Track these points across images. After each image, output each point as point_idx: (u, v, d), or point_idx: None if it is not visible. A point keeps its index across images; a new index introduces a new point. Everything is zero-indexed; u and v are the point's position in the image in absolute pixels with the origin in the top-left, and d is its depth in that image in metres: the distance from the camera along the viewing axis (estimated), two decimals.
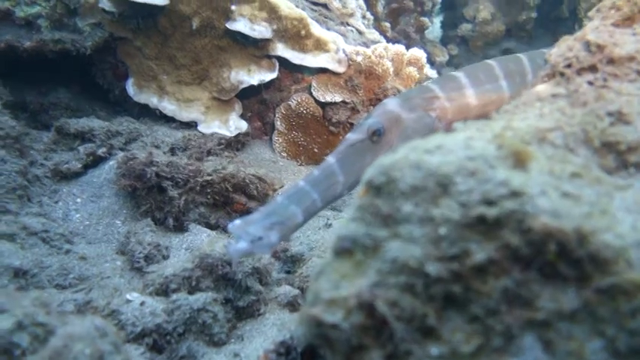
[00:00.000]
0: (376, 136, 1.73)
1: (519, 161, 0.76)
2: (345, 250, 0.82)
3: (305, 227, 2.55)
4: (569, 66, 1.08)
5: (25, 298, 1.20)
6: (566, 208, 0.67)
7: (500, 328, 0.68)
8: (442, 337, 0.71)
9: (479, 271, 0.70)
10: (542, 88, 1.05)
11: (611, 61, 1.01)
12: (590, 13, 1.25)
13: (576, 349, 0.61)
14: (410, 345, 0.72)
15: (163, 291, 1.78)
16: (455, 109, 1.90)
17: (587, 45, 1.09)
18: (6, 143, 2.42)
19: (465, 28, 6.34)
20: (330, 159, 1.67)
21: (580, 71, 1.05)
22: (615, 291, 0.61)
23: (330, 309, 0.77)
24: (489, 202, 0.71)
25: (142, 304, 1.66)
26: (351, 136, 1.76)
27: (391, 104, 1.87)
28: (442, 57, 6.19)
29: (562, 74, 1.08)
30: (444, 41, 6.57)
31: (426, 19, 5.85)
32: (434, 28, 6.60)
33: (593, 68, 1.05)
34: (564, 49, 1.13)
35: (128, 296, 1.72)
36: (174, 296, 1.70)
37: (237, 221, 1.39)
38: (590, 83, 1.02)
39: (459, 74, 2.02)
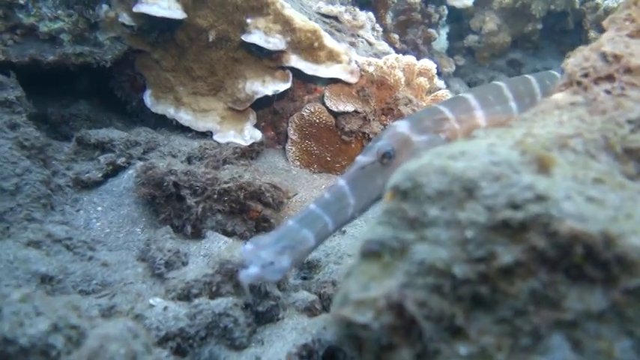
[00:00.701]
0: (386, 158, 1.71)
1: (543, 167, 0.78)
2: (372, 252, 0.83)
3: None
4: (586, 75, 1.10)
5: (58, 302, 1.23)
6: (592, 212, 0.69)
7: (528, 328, 0.69)
8: (470, 337, 0.73)
9: (506, 272, 0.72)
10: (561, 97, 1.07)
11: (628, 70, 1.03)
12: (604, 23, 1.27)
13: (605, 348, 0.62)
14: (439, 344, 0.74)
15: (185, 296, 1.80)
16: (465, 130, 1.90)
17: (604, 55, 1.11)
18: (31, 154, 2.47)
19: (471, 39, 6.37)
20: (341, 182, 1.64)
21: (597, 80, 1.07)
22: None
23: (360, 309, 0.78)
24: (515, 206, 0.73)
25: (165, 308, 1.69)
26: (362, 159, 1.73)
27: (401, 126, 1.85)
28: (449, 68, 6.22)
29: (579, 83, 1.09)
30: (451, 52, 6.60)
31: (433, 31, 5.90)
32: (440, 39, 6.63)
33: (610, 77, 1.06)
34: (580, 59, 1.14)
35: (151, 301, 1.74)
36: (196, 301, 1.72)
37: (249, 245, 1.37)
38: (608, 92, 1.04)
39: (469, 96, 2.00)
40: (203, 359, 1.62)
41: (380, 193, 1.68)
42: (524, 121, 1.03)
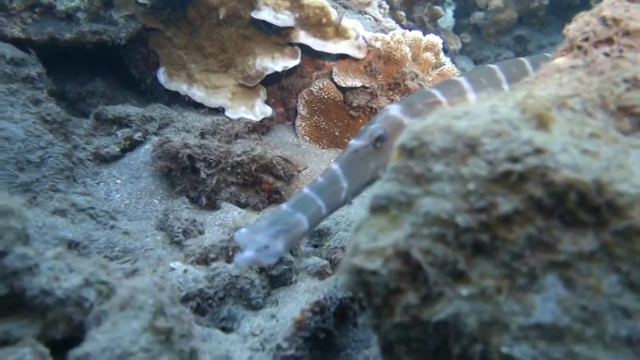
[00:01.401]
0: (379, 142, 1.68)
1: (542, 123, 0.81)
2: (381, 207, 0.87)
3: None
4: (586, 39, 1.11)
5: (87, 262, 1.29)
6: (586, 163, 0.72)
7: (524, 270, 0.73)
8: (471, 280, 0.77)
9: (505, 220, 0.76)
10: (561, 61, 1.09)
11: (626, 33, 1.04)
12: None
13: (594, 284, 0.67)
14: (442, 287, 0.78)
15: (203, 260, 1.87)
16: None
17: (604, 20, 1.12)
18: (53, 128, 2.52)
19: (477, 16, 6.28)
20: (334, 166, 1.63)
21: (597, 44, 1.08)
22: (630, 232, 0.65)
23: (370, 258, 0.83)
24: (514, 159, 0.76)
25: (185, 271, 1.75)
26: (355, 143, 1.71)
27: (393, 110, 1.83)
28: (455, 45, 6.15)
29: (579, 47, 1.11)
30: (457, 30, 6.51)
31: (439, 8, 5.81)
32: (446, 17, 6.54)
33: (609, 41, 1.08)
34: (581, 24, 1.16)
35: (172, 265, 1.81)
36: (213, 264, 1.78)
37: (243, 230, 1.36)
38: (607, 54, 1.05)
39: (461, 79, 1.97)
40: (222, 318, 1.69)
41: (372, 176, 1.68)
42: (525, 85, 1.05)
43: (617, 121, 0.86)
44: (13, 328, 1.12)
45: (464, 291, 0.77)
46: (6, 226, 1.16)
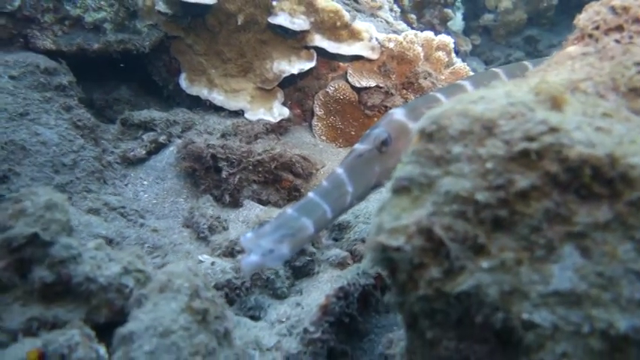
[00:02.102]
0: (384, 146, 1.65)
1: (556, 105, 0.83)
2: (403, 188, 0.91)
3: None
4: (597, 28, 1.13)
5: (125, 252, 1.35)
6: (599, 139, 0.75)
7: (542, 242, 0.76)
8: (492, 253, 0.80)
9: (522, 196, 0.79)
10: (573, 49, 1.11)
11: (636, 20, 1.06)
12: None
13: (610, 251, 0.69)
14: (464, 261, 0.82)
15: (229, 253, 1.92)
16: None
17: (613, 8, 1.14)
18: (84, 133, 2.62)
19: (487, 18, 6.27)
20: (339, 170, 1.60)
21: (607, 31, 1.10)
22: None
23: (394, 236, 0.86)
24: (530, 138, 0.79)
25: (213, 263, 1.81)
26: (359, 147, 1.68)
27: (397, 114, 1.79)
28: (466, 47, 6.15)
29: (590, 35, 1.13)
30: (467, 32, 6.51)
31: (449, 11, 5.83)
32: (456, 19, 6.55)
33: (619, 28, 1.09)
34: (591, 13, 1.18)
35: (200, 257, 1.87)
36: (239, 257, 1.83)
37: (249, 234, 1.34)
38: (617, 41, 1.07)
39: (465, 82, 1.96)
40: (249, 307, 1.74)
41: (377, 180, 1.66)
42: (538, 72, 1.08)
43: (629, 101, 0.88)
44: (61, 313, 1.18)
45: (484, 264, 0.80)
46: (52, 219, 1.22)
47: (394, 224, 0.87)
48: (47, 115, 2.45)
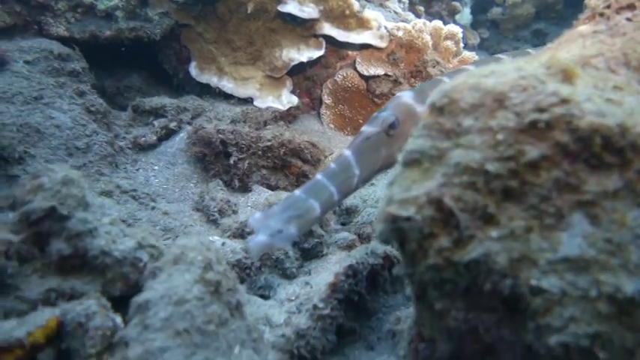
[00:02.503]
0: (391, 129, 1.64)
1: (566, 78, 0.83)
2: (413, 160, 0.92)
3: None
4: (608, 7, 1.13)
5: (138, 228, 1.37)
6: (610, 110, 0.75)
7: (551, 211, 0.77)
8: (501, 223, 0.81)
9: (532, 166, 0.79)
10: (584, 28, 1.11)
11: None
12: None
13: (619, 218, 0.70)
14: (473, 231, 0.82)
15: (239, 234, 1.94)
16: None
17: None
18: (96, 118, 2.64)
19: (495, 12, 6.22)
20: (347, 152, 1.59)
21: (619, 10, 1.10)
22: None
23: (404, 206, 0.87)
24: (541, 110, 0.79)
25: (223, 244, 1.83)
26: (367, 130, 1.66)
27: (405, 97, 1.77)
28: (474, 40, 6.11)
29: (602, 14, 1.12)
30: (474, 26, 6.46)
31: (457, 4, 5.78)
32: (464, 13, 6.50)
33: (631, 6, 1.09)
34: None
35: (210, 239, 1.89)
36: (249, 237, 1.85)
37: (258, 215, 1.34)
38: (629, 19, 1.07)
39: (471, 67, 1.97)
40: (259, 286, 1.76)
41: (384, 163, 1.66)
42: (548, 50, 1.08)
43: None
44: (78, 285, 1.21)
45: (494, 233, 0.81)
46: (68, 194, 1.24)
47: (405, 195, 0.88)
48: (61, 100, 2.48)
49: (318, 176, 1.51)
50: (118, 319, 1.10)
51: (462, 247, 0.83)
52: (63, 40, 3.05)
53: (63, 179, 1.25)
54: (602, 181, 0.73)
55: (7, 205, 1.32)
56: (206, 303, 1.03)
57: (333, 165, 1.56)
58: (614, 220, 0.70)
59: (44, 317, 1.05)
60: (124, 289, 1.24)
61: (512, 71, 0.89)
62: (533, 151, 0.79)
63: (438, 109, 0.92)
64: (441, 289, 0.90)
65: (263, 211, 1.36)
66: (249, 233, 1.90)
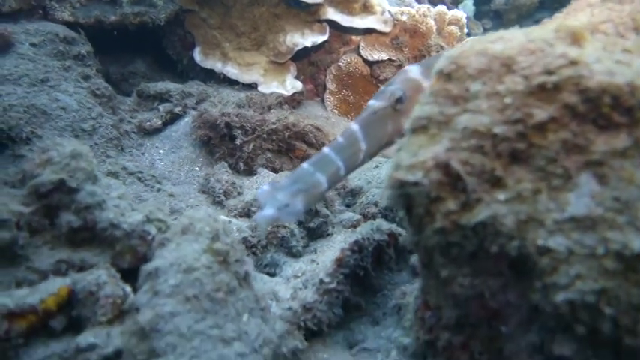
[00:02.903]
0: (399, 103, 1.62)
1: (575, 41, 0.83)
2: (420, 127, 0.92)
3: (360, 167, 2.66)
4: None
5: (146, 203, 1.38)
6: (619, 70, 0.74)
7: (559, 172, 0.77)
8: (508, 186, 0.81)
9: (540, 129, 0.79)
10: None
11: None
12: None
13: (627, 176, 0.70)
14: (480, 194, 0.83)
15: (245, 213, 1.95)
16: None
17: None
18: (102, 101, 2.64)
19: (498, 2, 6.17)
20: (354, 126, 1.56)
21: None
22: None
23: (411, 171, 0.88)
24: (549, 72, 0.79)
25: (229, 222, 1.84)
26: (374, 104, 1.63)
27: (413, 72, 1.74)
28: (477, 30, 6.08)
29: None
30: (478, 16, 6.42)
31: None
32: (467, 3, 6.46)
33: None
34: None
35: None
36: (255, 216, 1.86)
37: (266, 187, 1.32)
38: None
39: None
40: (265, 264, 1.77)
41: (389, 139, 1.64)
42: (557, 19, 1.07)
43: None
44: (87, 256, 1.22)
45: (501, 196, 0.81)
46: (77, 167, 1.25)
47: (412, 160, 0.88)
48: (66, 83, 2.48)
49: (326, 150, 1.49)
50: (128, 288, 1.11)
51: (469, 211, 0.83)
52: (68, 25, 3.04)
53: (72, 153, 1.26)
54: (610, 140, 0.73)
55: (18, 180, 1.33)
56: (215, 272, 1.03)
57: (340, 139, 1.53)
58: (623, 178, 0.70)
59: (56, 285, 1.06)
60: (132, 261, 1.25)
61: (520, 36, 0.88)
62: (541, 113, 0.79)
63: (445, 76, 0.92)
64: (448, 255, 0.90)
65: (270, 184, 1.35)
66: (255, 212, 1.90)
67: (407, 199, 0.90)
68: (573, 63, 0.77)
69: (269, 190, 1.31)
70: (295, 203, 1.28)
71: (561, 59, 0.78)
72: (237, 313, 1.01)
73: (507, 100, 0.82)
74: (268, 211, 1.24)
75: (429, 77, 1.69)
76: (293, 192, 1.30)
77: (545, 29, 0.91)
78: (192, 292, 0.96)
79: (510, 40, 0.88)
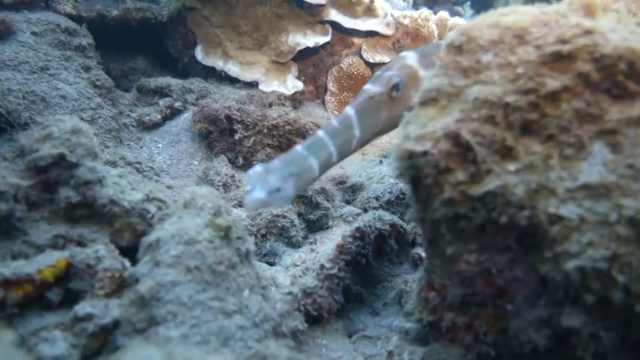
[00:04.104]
0: (394, 90, 1.58)
1: (589, 12, 0.83)
2: (430, 99, 0.91)
3: (362, 163, 2.65)
4: None
5: (147, 184, 1.36)
6: (634, 37, 0.74)
7: (571, 141, 0.76)
8: (519, 156, 0.80)
9: (553, 98, 0.79)
10: None
11: None
12: None
13: None
14: (490, 165, 0.82)
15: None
16: None
17: None
18: (101, 92, 2.63)
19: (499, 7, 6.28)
20: (349, 111, 1.51)
21: None
22: None
23: (420, 142, 0.87)
24: (563, 41, 0.79)
25: None
26: (371, 88, 1.59)
27: (410, 59, 1.70)
28: None
29: None
30: None
31: (460, 8, 5.83)
32: (467, 18, 6.57)
33: None
34: None
35: None
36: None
37: (258, 167, 1.26)
38: None
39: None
40: (264, 253, 1.75)
41: (382, 127, 1.60)
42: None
43: None
44: (86, 232, 1.20)
45: (511, 166, 0.80)
46: (78, 142, 1.24)
47: (421, 131, 0.88)
48: (67, 72, 2.47)
49: (320, 133, 1.43)
50: (127, 263, 1.09)
51: (479, 181, 0.83)
52: (70, 18, 3.04)
53: (72, 128, 1.25)
54: (624, 109, 0.73)
55: (15, 156, 1.31)
56: (216, 246, 1.02)
57: (335, 123, 1.48)
58: (636, 144, 0.69)
59: (53, 257, 1.04)
60: (131, 239, 1.23)
61: (532, 9, 0.88)
62: (553, 82, 0.78)
63: (456, 48, 0.92)
64: (455, 228, 0.89)
65: (262, 165, 1.29)
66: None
67: (415, 171, 0.89)
68: (588, 32, 0.77)
69: (261, 172, 1.25)
70: (287, 187, 1.22)
71: (576, 29, 0.78)
72: (239, 288, 0.99)
73: (519, 70, 0.82)
74: (259, 194, 1.18)
75: (425, 67, 1.69)
76: (285, 175, 1.24)
77: (558, 4, 0.91)
78: (194, 263, 0.95)
79: (523, 12, 0.88)
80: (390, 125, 1.66)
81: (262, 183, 1.20)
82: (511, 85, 0.82)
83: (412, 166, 0.88)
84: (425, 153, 0.85)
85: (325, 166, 1.40)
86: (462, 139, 0.83)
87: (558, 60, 0.79)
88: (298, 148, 1.36)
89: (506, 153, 0.81)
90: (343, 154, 1.48)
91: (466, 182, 0.83)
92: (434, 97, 0.90)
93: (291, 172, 1.26)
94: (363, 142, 1.56)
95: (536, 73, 0.80)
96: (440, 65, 0.93)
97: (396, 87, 1.58)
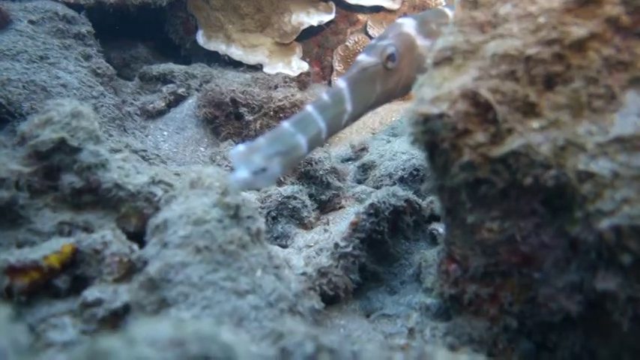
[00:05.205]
0: (390, 61, 1.49)
1: None
2: (444, 59, 0.87)
3: (374, 142, 2.60)
4: None
5: (152, 167, 1.34)
6: None
7: (601, 92, 0.71)
8: (543, 113, 0.76)
9: (579, 48, 0.74)
10: None
11: None
12: None
13: None
14: (512, 124, 0.78)
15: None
16: None
17: None
18: (103, 81, 2.61)
19: None
20: (341, 84, 1.43)
21: None
22: None
23: (436, 104, 0.83)
24: None
25: None
26: (365, 59, 1.50)
27: (407, 26, 1.61)
28: None
29: None
30: None
31: None
32: None
33: None
34: None
35: None
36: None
37: (241, 147, 1.19)
38: None
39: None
40: (276, 236, 1.73)
41: (375, 101, 1.53)
42: None
43: None
44: (91, 218, 1.18)
45: (535, 124, 0.76)
46: (78, 126, 1.21)
47: (436, 93, 0.83)
48: (67, 61, 2.45)
49: (309, 108, 1.35)
50: (135, 246, 1.07)
51: (500, 142, 0.79)
52: (68, 6, 3.01)
53: (72, 112, 1.22)
54: None
55: (16, 143, 1.30)
56: (226, 225, 0.99)
57: (325, 97, 1.40)
58: None
59: (59, 244, 1.03)
60: (138, 224, 1.21)
61: None
62: (579, 30, 0.73)
63: (471, 3, 0.87)
64: (475, 195, 0.85)
65: (246, 144, 1.21)
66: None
67: (431, 135, 0.85)
68: None
69: (244, 152, 1.18)
70: (272, 167, 1.16)
71: None
72: (251, 268, 0.97)
73: (541, 19, 0.77)
74: (242, 174, 1.12)
75: (423, 35, 1.61)
76: (270, 154, 1.17)
77: None
78: (204, 243, 0.92)
79: None
80: (385, 98, 1.59)
81: (246, 163, 1.14)
82: (532, 37, 0.77)
83: (428, 130, 0.84)
84: (441, 115, 0.81)
85: (314, 144, 1.33)
86: (480, 97, 0.79)
87: (583, 5, 0.74)
88: (285, 124, 1.29)
89: (529, 110, 0.77)
90: (333, 130, 1.42)
91: (486, 144, 0.79)
92: (448, 56, 0.86)
93: (277, 151, 1.19)
94: (355, 117, 1.49)
95: (560, 21, 0.75)
96: (454, 23, 0.88)
97: (391, 57, 1.49)
